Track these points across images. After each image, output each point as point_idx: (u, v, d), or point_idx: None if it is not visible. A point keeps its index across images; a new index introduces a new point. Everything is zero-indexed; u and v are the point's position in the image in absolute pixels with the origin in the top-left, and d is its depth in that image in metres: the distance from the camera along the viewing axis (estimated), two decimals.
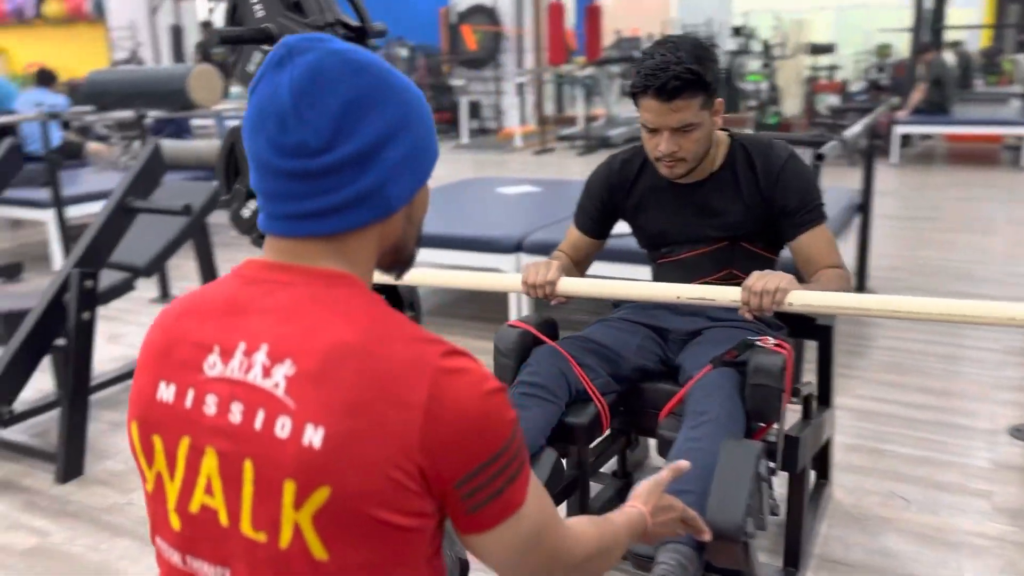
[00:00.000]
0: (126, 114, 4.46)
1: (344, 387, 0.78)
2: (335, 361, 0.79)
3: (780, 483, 2.07)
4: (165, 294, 4.62)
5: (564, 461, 1.97)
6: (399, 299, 2.79)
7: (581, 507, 1.98)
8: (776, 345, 1.64)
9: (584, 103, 10.71)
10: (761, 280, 1.60)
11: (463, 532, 0.86)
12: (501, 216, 4.28)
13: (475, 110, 11.98)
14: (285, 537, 0.79)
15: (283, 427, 0.79)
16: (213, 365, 0.83)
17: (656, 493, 1.19)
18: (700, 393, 1.63)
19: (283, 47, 0.82)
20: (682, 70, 1.66)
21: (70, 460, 2.64)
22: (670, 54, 1.68)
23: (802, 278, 1.85)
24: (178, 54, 12.49)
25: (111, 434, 2.98)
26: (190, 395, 0.84)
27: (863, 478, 2.49)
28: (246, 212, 2.54)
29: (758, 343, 1.65)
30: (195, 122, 8.38)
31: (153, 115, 4.57)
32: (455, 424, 0.79)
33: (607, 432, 1.91)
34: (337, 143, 0.81)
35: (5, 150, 3.15)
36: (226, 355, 0.83)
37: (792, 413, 2.03)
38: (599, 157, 5.18)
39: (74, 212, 5.18)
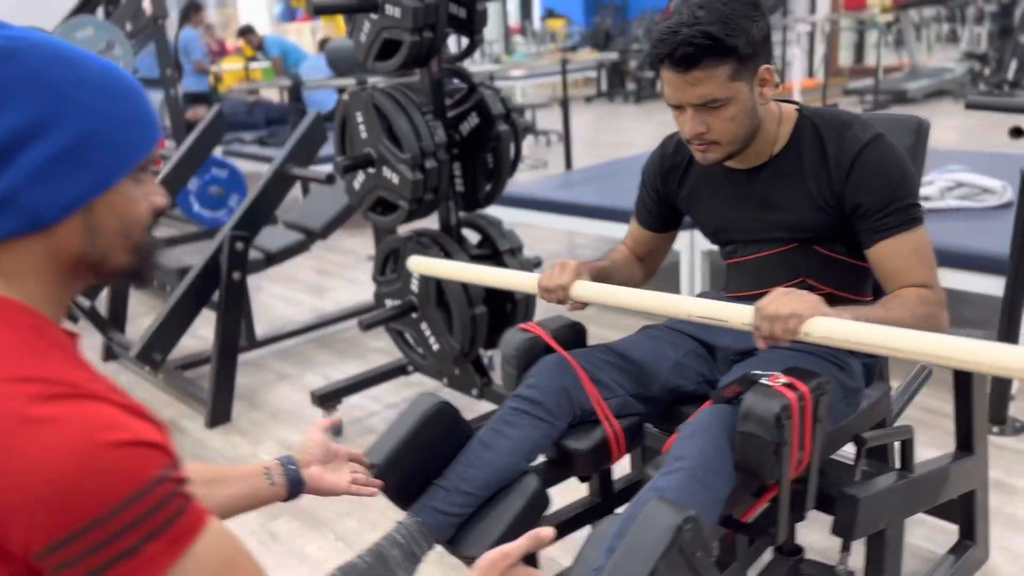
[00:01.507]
0: (347, 81, 4.69)
1: None
2: None
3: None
4: None
5: (596, 484, 1.76)
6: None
7: None
8: (786, 385, 1.29)
9: (882, 52, 9.49)
10: (775, 302, 1.26)
11: None
12: None
13: None
14: None
15: None
16: None
17: (501, 566, 0.97)
18: (685, 433, 1.34)
19: None
20: (695, 33, 1.33)
21: (217, 408, 2.89)
22: (688, 13, 1.36)
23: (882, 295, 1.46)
24: None
25: (273, 385, 3.22)
26: None
27: None
28: (356, 184, 2.56)
29: (764, 380, 1.31)
30: None
31: (372, 81, 4.77)
32: (27, 485, 0.67)
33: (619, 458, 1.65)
34: None
35: (211, 118, 3.47)
36: None
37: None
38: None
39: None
